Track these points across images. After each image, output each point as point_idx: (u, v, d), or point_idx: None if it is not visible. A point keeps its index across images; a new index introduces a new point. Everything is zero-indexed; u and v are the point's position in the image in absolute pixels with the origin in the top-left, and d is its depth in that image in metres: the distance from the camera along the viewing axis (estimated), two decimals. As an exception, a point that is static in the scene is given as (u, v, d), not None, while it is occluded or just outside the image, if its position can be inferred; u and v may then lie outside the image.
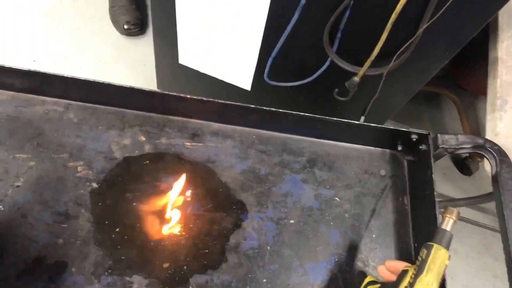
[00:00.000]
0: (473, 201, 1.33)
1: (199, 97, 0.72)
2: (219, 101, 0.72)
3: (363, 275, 0.71)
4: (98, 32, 1.83)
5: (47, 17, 1.80)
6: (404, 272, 0.58)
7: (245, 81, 1.26)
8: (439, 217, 0.69)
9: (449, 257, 0.57)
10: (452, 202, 1.47)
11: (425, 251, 0.57)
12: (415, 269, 0.57)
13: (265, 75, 1.17)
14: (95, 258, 0.65)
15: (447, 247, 0.58)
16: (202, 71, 1.32)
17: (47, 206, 0.68)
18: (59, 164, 0.71)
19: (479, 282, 1.57)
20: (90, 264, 0.65)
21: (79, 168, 0.71)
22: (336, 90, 1.13)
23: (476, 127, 1.94)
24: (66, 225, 0.67)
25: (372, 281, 0.67)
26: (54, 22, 1.80)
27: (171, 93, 0.71)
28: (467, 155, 1.85)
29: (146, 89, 0.71)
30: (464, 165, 1.83)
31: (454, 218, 0.59)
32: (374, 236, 0.75)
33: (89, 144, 0.73)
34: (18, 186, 0.68)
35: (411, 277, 0.56)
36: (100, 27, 1.84)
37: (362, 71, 1.03)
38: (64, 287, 0.63)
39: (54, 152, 0.71)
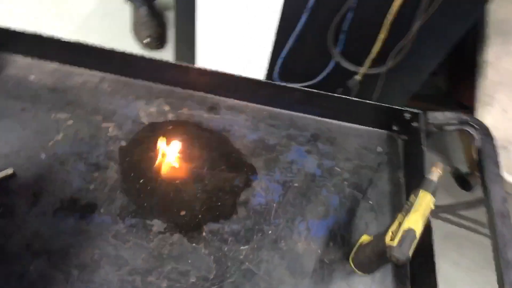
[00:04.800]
0: (469, 205, 1.39)
1: (217, 70, 0.82)
2: (235, 74, 0.83)
3: (360, 234, 0.78)
4: (120, 46, 1.97)
5: (75, 33, 1.96)
6: (393, 219, 0.66)
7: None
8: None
9: (434, 202, 0.65)
10: (451, 206, 1.54)
11: (413, 196, 0.65)
12: (403, 213, 0.65)
13: (274, 75, 1.28)
14: (121, 203, 0.74)
15: (433, 194, 0.66)
16: (217, 74, 1.44)
17: (81, 157, 0.77)
18: (93, 124, 0.81)
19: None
20: (116, 207, 0.73)
21: (110, 129, 0.81)
22: (341, 89, 1.24)
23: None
24: (97, 174, 0.76)
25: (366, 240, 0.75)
26: (80, 37, 1.95)
27: (194, 66, 0.83)
28: (468, 171, 1.92)
29: (173, 62, 0.82)
30: (465, 180, 1.89)
31: (440, 171, 0.68)
32: (370, 202, 0.83)
33: (120, 110, 0.84)
34: (57, 139, 0.78)
35: (400, 218, 0.64)
36: (123, 42, 1.99)
37: (363, 69, 1.14)
38: (93, 224, 0.71)
39: (89, 114, 0.82)
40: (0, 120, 0.77)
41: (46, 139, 0.77)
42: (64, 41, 0.81)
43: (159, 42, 1.96)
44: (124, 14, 2.03)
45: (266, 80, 0.84)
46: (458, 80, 1.79)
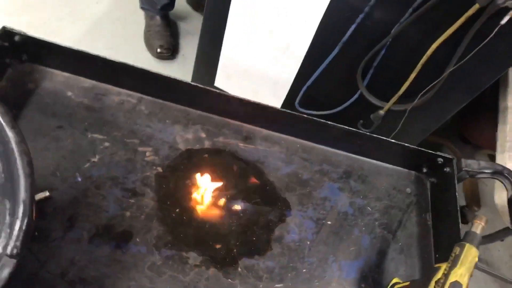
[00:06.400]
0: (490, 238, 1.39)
1: (256, 101, 0.82)
2: (272, 106, 0.83)
3: (390, 276, 0.78)
4: (131, 53, 1.95)
5: (86, 36, 1.92)
6: (436, 269, 0.66)
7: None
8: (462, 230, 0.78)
9: (478, 255, 0.66)
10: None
11: (458, 249, 0.66)
12: (447, 264, 0.65)
13: (296, 103, 1.29)
14: (157, 233, 0.72)
15: (477, 247, 0.66)
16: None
17: (117, 182, 0.75)
18: (130, 147, 0.79)
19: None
20: (152, 237, 0.72)
21: (147, 153, 0.80)
22: (361, 121, 1.24)
23: (474, 180, 2.05)
24: (133, 201, 0.74)
25: (397, 282, 0.75)
26: (90, 40, 1.91)
27: (231, 95, 0.82)
28: (465, 204, 1.96)
29: (211, 89, 0.81)
30: (461, 213, 1.92)
31: (483, 224, 0.68)
32: (400, 244, 0.84)
33: (157, 134, 0.82)
34: (94, 161, 0.76)
35: (445, 269, 0.64)
36: (134, 49, 1.96)
37: (388, 105, 1.15)
38: (129, 254, 0.69)
39: (126, 137, 0.80)
40: (35, 139, 0.75)
41: (82, 161, 0.75)
42: (103, 58, 0.79)
43: (170, 53, 1.95)
44: (137, 20, 2.00)
45: (302, 115, 0.84)
46: (465, 114, 1.82)
